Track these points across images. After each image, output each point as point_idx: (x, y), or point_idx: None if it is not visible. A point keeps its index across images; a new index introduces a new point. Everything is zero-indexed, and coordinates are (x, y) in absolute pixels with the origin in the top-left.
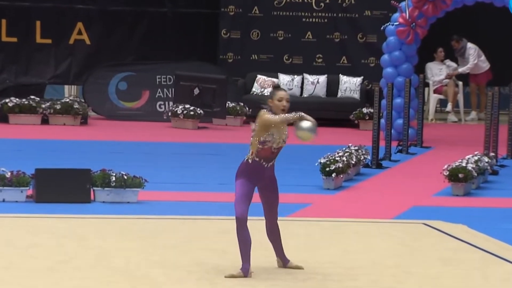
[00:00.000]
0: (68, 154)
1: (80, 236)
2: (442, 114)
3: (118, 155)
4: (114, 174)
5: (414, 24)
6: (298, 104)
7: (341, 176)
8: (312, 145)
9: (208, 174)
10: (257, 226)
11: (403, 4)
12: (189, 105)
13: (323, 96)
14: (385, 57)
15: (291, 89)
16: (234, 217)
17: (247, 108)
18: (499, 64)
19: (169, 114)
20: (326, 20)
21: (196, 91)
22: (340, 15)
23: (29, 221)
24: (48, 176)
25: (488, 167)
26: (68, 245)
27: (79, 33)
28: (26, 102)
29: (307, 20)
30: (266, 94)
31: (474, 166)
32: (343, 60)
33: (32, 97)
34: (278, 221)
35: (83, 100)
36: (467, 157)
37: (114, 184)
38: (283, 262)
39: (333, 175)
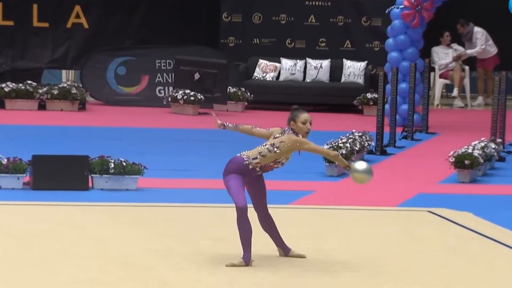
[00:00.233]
0: (65, 140)
1: (78, 224)
2: (448, 99)
3: (117, 141)
4: (112, 161)
5: (419, 7)
6: (301, 89)
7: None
8: (315, 131)
9: (209, 161)
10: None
11: None
12: (189, 90)
13: (326, 81)
14: (390, 41)
15: (293, 74)
16: (235, 207)
17: (249, 94)
18: (506, 48)
19: (169, 99)
20: (329, 3)
21: (197, 76)
22: None
23: (26, 209)
24: (45, 163)
25: (495, 154)
26: (66, 233)
27: (77, 16)
28: (22, 87)
29: (310, 3)
30: (268, 79)
31: (480, 152)
32: (347, 44)
33: (29, 82)
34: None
35: (81, 85)
36: (473, 143)
37: (112, 171)
38: (284, 251)
39: (337, 162)
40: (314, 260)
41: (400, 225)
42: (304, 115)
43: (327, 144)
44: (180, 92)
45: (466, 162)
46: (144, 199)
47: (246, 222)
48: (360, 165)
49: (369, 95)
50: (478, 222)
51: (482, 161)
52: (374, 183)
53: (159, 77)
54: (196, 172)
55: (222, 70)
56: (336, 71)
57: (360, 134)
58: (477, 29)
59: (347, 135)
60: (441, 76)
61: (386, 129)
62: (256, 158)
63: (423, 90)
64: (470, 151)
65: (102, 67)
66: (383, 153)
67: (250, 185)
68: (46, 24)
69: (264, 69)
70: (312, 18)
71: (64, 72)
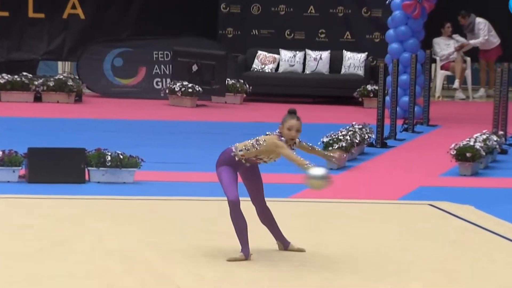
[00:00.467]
0: (62, 133)
1: (74, 217)
2: (449, 91)
3: (114, 134)
4: (109, 154)
5: None
6: (300, 81)
7: (345, 155)
8: (315, 123)
9: (207, 154)
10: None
11: None
12: (187, 82)
13: (326, 73)
14: (391, 32)
15: (292, 65)
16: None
17: (247, 85)
18: (509, 39)
19: (167, 91)
20: None
21: (195, 67)
22: None
23: (22, 202)
24: (41, 156)
25: (497, 146)
26: (62, 227)
27: (73, 7)
28: (18, 79)
29: None
30: (267, 71)
31: (482, 145)
32: (347, 35)
33: (25, 73)
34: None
35: (77, 77)
36: (475, 135)
37: (109, 164)
38: (284, 245)
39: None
40: (314, 254)
41: (400, 219)
42: (291, 122)
43: (327, 137)
44: (178, 84)
45: (468, 154)
46: (141, 193)
47: (239, 215)
48: (317, 170)
49: (369, 87)
50: (480, 216)
51: (483, 153)
52: (374, 176)
53: (156, 69)
54: (194, 165)
55: (221, 62)
56: (336, 62)
57: (360, 126)
58: (479, 19)
59: (347, 127)
60: (442, 68)
61: (387, 122)
62: (241, 150)
63: (424, 81)
64: (471, 143)
65: (98, 58)
66: (384, 145)
67: (245, 177)
68: (41, 15)
69: (263, 61)
70: (311, 9)
71: (60, 63)
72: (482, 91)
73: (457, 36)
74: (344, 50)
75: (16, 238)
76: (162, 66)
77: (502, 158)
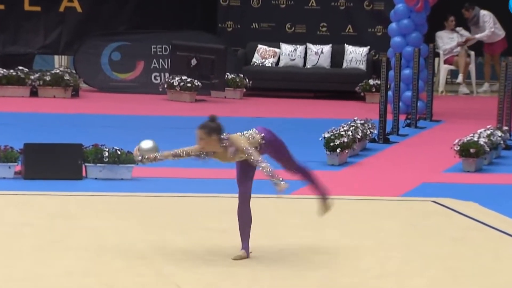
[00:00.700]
0: (58, 128)
1: (71, 214)
2: (453, 85)
3: (111, 129)
4: (107, 149)
5: None
6: (301, 75)
7: (346, 151)
8: (316, 118)
9: None
10: (258, 202)
11: None
12: (186, 77)
13: (327, 67)
14: (393, 25)
15: (293, 59)
16: (237, 195)
17: (247, 80)
18: None
19: (165, 86)
20: None
21: (194, 61)
22: None
23: (18, 199)
24: (38, 151)
25: (501, 142)
26: (59, 224)
27: (70, 0)
28: (14, 73)
29: None
30: (267, 65)
31: (486, 140)
32: (349, 29)
33: (20, 68)
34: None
35: (74, 71)
36: (479, 131)
37: (107, 160)
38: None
39: (338, 150)
40: (314, 251)
41: (403, 216)
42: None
43: (328, 133)
44: (177, 78)
45: (472, 150)
46: (139, 189)
47: (247, 209)
48: (146, 144)
49: (371, 82)
50: (484, 212)
51: (488, 149)
52: (376, 173)
53: (154, 63)
54: (193, 161)
55: (220, 56)
56: (337, 56)
57: (362, 121)
58: (483, 12)
59: (349, 122)
60: (445, 62)
61: (389, 117)
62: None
63: (427, 76)
64: (475, 139)
65: (96, 52)
66: (386, 141)
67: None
68: (37, 8)
69: (263, 55)
70: (312, 2)
71: (56, 57)
72: (486, 86)
73: (460, 30)
74: (345, 44)
75: (12, 236)
76: (160, 60)
77: (507, 154)
